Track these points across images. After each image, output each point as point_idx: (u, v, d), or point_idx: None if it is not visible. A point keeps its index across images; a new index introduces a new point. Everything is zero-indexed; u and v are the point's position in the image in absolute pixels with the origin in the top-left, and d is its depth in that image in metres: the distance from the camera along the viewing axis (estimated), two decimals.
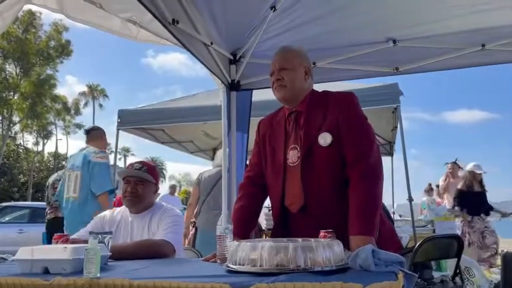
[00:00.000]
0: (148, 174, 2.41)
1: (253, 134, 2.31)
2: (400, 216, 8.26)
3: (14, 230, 9.46)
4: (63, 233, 2.06)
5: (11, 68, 32.81)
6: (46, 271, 1.48)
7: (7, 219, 10.42)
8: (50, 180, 5.33)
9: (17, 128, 36.01)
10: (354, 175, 1.79)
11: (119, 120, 5.64)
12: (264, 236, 4.62)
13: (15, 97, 33.42)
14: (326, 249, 1.36)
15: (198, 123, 5.68)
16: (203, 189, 4.47)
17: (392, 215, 7.27)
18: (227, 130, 3.59)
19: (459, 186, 6.34)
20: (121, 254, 1.93)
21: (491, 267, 5.65)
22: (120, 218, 2.41)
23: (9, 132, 34.34)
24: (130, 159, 54.14)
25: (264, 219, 5.02)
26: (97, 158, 4.05)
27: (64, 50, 35.15)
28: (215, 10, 2.93)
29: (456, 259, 3.40)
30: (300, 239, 1.54)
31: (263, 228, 4.74)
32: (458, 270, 3.40)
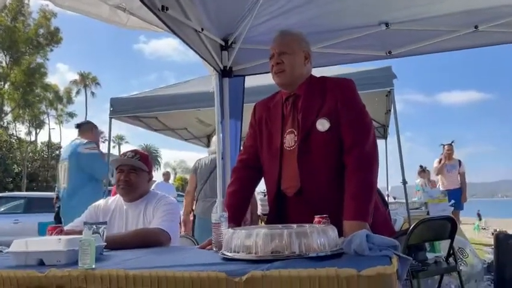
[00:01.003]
0: (141, 162, 2.40)
1: (246, 121, 2.30)
2: (394, 198, 8.32)
3: (10, 220, 9.43)
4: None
5: (0, 57, 32.40)
6: (41, 263, 1.48)
7: (2, 209, 10.38)
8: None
9: (9, 118, 35.68)
10: (350, 161, 1.80)
11: (111, 109, 5.59)
12: (260, 221, 4.65)
13: (6, 87, 33.04)
14: (320, 235, 1.36)
15: (192, 110, 5.64)
16: (200, 177, 4.47)
17: (386, 197, 7.32)
18: (220, 117, 3.57)
19: None
20: (116, 244, 1.93)
21: None
22: (115, 207, 2.41)
23: (1, 123, 34.04)
24: (124, 147, 53.98)
25: (260, 205, 5.04)
26: (86, 149, 4.21)
27: (54, 37, 34.67)
28: None
29: (449, 240, 3.44)
30: (294, 225, 1.55)
31: (259, 214, 4.76)
32: (451, 251, 3.44)
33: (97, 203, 2.49)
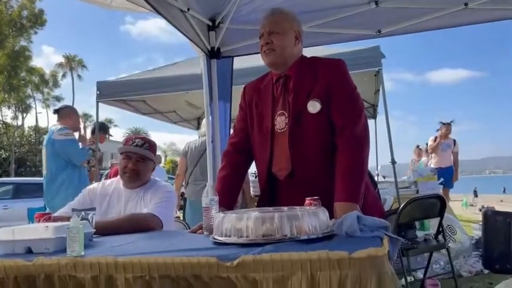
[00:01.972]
0: (150, 152, 2.38)
1: (236, 103, 2.26)
2: (384, 177, 8.39)
3: None
4: None
5: None
6: (29, 251, 1.46)
7: None
8: None
9: None
10: (341, 143, 1.78)
11: (98, 93, 5.50)
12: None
13: None
14: (311, 217, 1.36)
15: (180, 93, 5.57)
16: (190, 160, 4.45)
17: (376, 177, 7.38)
18: (209, 99, 3.53)
19: None
20: (107, 229, 1.92)
21: None
22: (112, 191, 2.37)
23: None
24: (113, 131, 53.52)
25: (251, 186, 5.05)
26: (60, 136, 4.12)
27: (38, 19, 33.91)
28: None
29: (439, 218, 3.49)
30: (285, 208, 1.54)
31: (251, 195, 4.76)
32: (440, 229, 3.49)
33: (91, 186, 2.45)
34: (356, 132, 1.78)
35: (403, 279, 3.07)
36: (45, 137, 4.39)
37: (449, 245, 3.63)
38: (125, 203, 2.32)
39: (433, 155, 7.67)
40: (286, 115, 1.88)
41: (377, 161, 8.58)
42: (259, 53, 1.99)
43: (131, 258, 1.25)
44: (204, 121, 4.38)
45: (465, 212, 10.99)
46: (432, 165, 7.41)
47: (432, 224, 3.74)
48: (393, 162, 4.49)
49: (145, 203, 2.27)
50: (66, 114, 4.38)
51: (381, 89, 5.01)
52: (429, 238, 3.62)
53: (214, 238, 1.42)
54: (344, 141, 1.78)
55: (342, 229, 1.38)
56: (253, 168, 2.16)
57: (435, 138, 7.63)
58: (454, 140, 7.70)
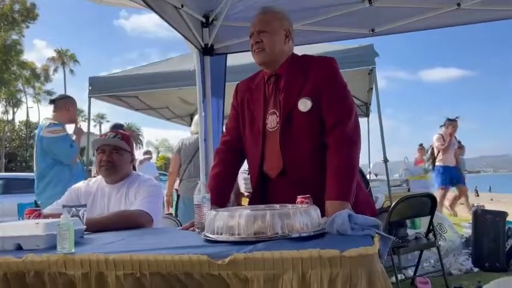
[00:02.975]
0: (123, 142, 2.36)
1: (229, 100, 2.26)
2: (376, 175, 8.43)
3: None
4: None
5: None
6: (19, 248, 1.45)
7: None
8: None
9: None
10: (332, 141, 1.78)
11: (90, 88, 5.47)
12: (242, 200, 4.65)
13: None
14: (303, 215, 1.36)
15: (173, 89, 5.55)
16: (184, 157, 4.43)
17: (368, 175, 7.41)
18: (202, 96, 3.52)
19: None
20: (97, 226, 1.91)
21: None
22: (96, 189, 2.36)
23: None
24: (105, 126, 53.22)
25: (243, 183, 5.05)
26: (48, 133, 3.86)
27: (30, 13, 33.59)
28: None
29: (429, 216, 3.51)
30: (277, 206, 1.54)
31: (243, 192, 4.76)
32: (431, 227, 3.52)
33: (77, 185, 2.44)
34: (347, 130, 1.78)
35: (394, 277, 3.09)
36: (36, 131, 4.23)
37: (440, 243, 3.66)
38: (108, 199, 2.31)
39: (446, 155, 7.22)
40: (278, 114, 1.88)
41: (369, 159, 8.62)
42: (250, 51, 1.99)
43: (122, 256, 1.24)
44: (195, 119, 4.36)
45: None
46: (439, 164, 7.12)
47: (423, 222, 3.76)
48: (385, 160, 4.52)
49: (129, 199, 2.26)
50: (62, 105, 4.03)
51: (374, 87, 5.03)
52: (420, 236, 3.65)
53: (205, 236, 1.42)
54: (335, 139, 1.78)
55: (334, 227, 1.39)
56: (246, 166, 2.16)
57: (441, 136, 7.24)
58: (456, 139, 7.39)
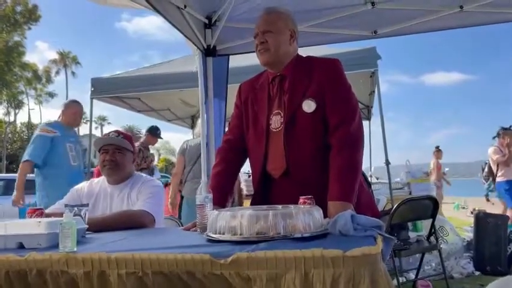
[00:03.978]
0: (126, 141, 2.36)
1: (231, 101, 2.26)
2: (377, 178, 8.43)
3: None
4: None
5: None
6: (21, 246, 1.45)
7: None
8: None
9: None
10: (335, 142, 1.78)
11: (92, 89, 5.47)
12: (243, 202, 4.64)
13: None
14: (305, 216, 1.36)
15: (175, 90, 5.56)
16: (188, 159, 4.44)
17: (369, 178, 7.39)
18: (204, 97, 3.52)
19: None
20: (99, 226, 1.91)
21: None
22: (99, 189, 2.36)
23: None
24: (107, 128, 53.31)
25: (244, 186, 5.05)
26: (37, 130, 4.01)
27: (32, 15, 33.68)
28: None
29: (431, 219, 3.50)
30: (280, 206, 1.54)
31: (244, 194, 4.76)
32: (433, 230, 3.51)
33: (79, 185, 2.44)
34: (350, 131, 1.78)
35: (395, 280, 3.09)
36: None
37: (441, 246, 3.66)
38: (110, 199, 2.31)
39: (500, 167, 6.42)
40: (282, 114, 1.88)
41: (370, 162, 8.60)
42: (255, 51, 1.99)
43: (124, 254, 1.24)
44: (199, 120, 4.37)
45: (456, 214, 11.06)
46: (501, 179, 6.37)
47: (425, 225, 3.76)
48: (387, 163, 4.51)
49: (132, 200, 2.26)
50: (63, 109, 4.23)
51: (376, 90, 5.03)
52: (421, 239, 3.64)
53: (208, 235, 1.42)
54: (338, 140, 1.78)
55: (336, 228, 1.38)
56: (246, 168, 2.16)
57: (498, 148, 6.43)
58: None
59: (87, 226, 1.71)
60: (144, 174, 2.46)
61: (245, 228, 1.33)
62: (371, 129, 7.76)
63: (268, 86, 1.96)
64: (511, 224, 4.57)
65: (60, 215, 1.62)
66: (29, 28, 34.34)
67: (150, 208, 2.15)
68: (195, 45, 3.40)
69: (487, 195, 7.75)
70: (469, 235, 5.06)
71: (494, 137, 6.46)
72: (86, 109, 5.79)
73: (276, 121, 1.89)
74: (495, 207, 7.55)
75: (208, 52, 3.52)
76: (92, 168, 5.87)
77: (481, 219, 4.45)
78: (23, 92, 40.28)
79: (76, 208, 1.78)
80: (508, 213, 5.95)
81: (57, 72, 50.31)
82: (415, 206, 3.45)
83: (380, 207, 4.59)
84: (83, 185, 2.42)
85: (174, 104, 6.95)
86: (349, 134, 1.78)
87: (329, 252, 1.12)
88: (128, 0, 3.09)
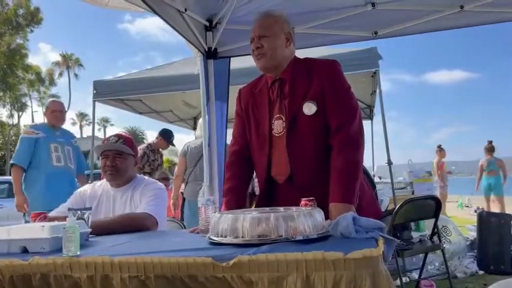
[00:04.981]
0: (126, 146, 2.36)
1: (233, 103, 2.26)
2: (380, 178, 8.41)
3: None
4: None
5: None
6: (25, 250, 1.46)
7: None
8: None
9: None
10: (336, 143, 1.79)
11: (94, 92, 5.51)
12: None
13: None
14: (307, 218, 1.36)
15: (177, 92, 5.58)
16: (190, 160, 4.46)
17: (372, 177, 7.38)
18: (206, 99, 3.53)
19: None
20: (102, 229, 1.91)
21: None
22: (101, 192, 2.37)
23: None
24: (110, 130, 53.39)
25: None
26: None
27: (34, 18, 33.77)
28: None
29: (434, 219, 3.50)
30: (281, 208, 1.55)
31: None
32: (435, 230, 3.51)
33: (82, 188, 2.45)
34: (351, 132, 1.78)
35: (398, 280, 3.09)
36: None
37: (444, 246, 3.65)
38: (113, 202, 2.32)
39: None
40: (284, 119, 1.87)
41: (373, 162, 8.59)
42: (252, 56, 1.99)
43: (127, 258, 1.25)
44: (200, 122, 4.38)
45: (460, 213, 11.04)
46: None
47: (428, 224, 3.75)
48: (389, 163, 4.51)
49: (134, 202, 2.26)
50: (48, 107, 4.29)
51: (378, 90, 5.03)
52: (424, 239, 3.64)
53: (210, 238, 1.43)
54: (339, 141, 1.78)
55: (338, 230, 1.39)
56: None
57: None
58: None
59: (90, 230, 1.72)
60: (146, 177, 2.47)
61: (247, 230, 1.34)
62: (373, 128, 7.77)
63: (268, 90, 1.96)
64: None
65: (64, 218, 1.63)
66: (32, 31, 34.46)
67: (153, 211, 2.15)
68: (196, 47, 3.42)
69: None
70: (472, 234, 5.05)
71: None
72: (89, 111, 5.83)
73: (278, 125, 1.89)
74: (495, 204, 7.53)
75: (209, 54, 3.53)
76: (96, 170, 5.89)
77: (484, 218, 4.44)
78: (26, 94, 40.40)
79: (79, 212, 1.80)
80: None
81: (60, 75, 50.47)
82: (418, 206, 3.44)
83: (383, 208, 4.58)
84: (86, 188, 2.43)
85: (176, 105, 6.98)
86: (350, 135, 1.78)
87: (330, 255, 1.13)
88: (129, 3, 3.11)
